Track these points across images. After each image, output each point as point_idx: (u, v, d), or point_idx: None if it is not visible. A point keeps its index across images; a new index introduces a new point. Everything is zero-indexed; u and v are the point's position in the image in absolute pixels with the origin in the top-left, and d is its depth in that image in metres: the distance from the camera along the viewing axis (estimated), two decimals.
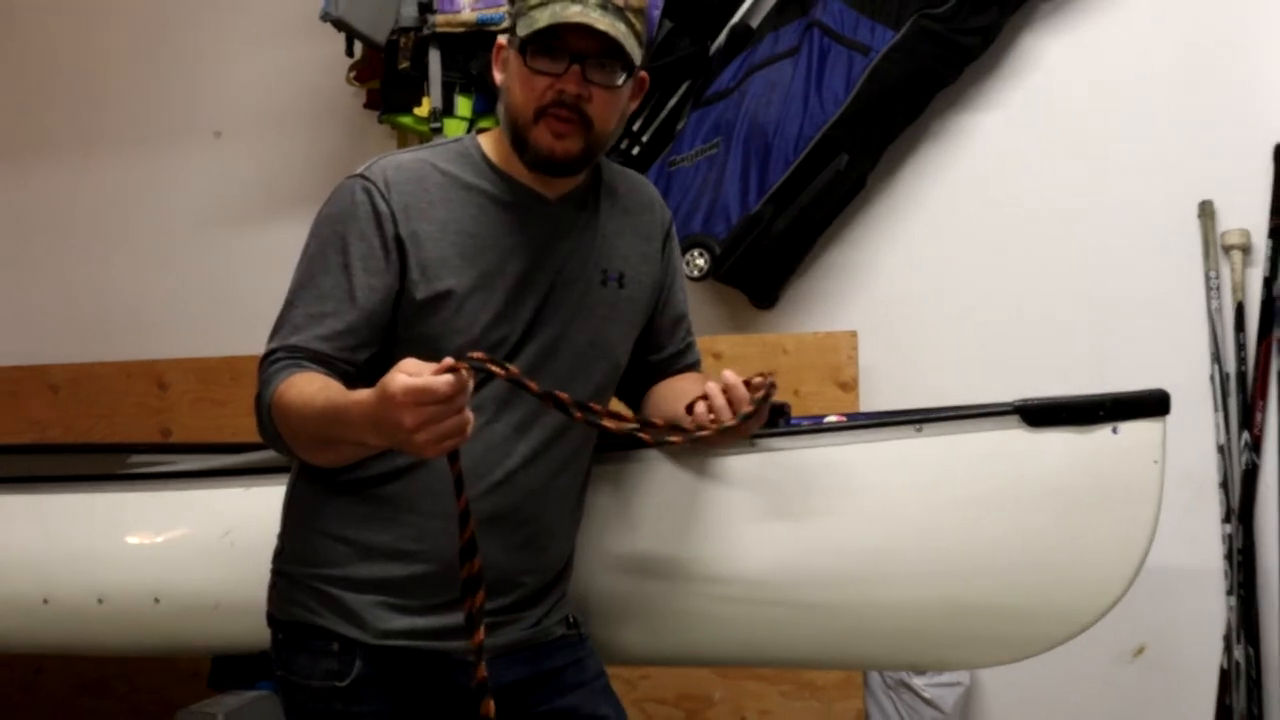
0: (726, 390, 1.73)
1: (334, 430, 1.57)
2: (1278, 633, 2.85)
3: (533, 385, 1.56)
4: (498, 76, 1.76)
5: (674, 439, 1.74)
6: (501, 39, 1.75)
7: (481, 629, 1.52)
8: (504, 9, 3.06)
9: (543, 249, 1.76)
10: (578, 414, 1.62)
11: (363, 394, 1.50)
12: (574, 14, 1.63)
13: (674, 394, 1.87)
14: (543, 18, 1.64)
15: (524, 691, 1.78)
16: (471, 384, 1.44)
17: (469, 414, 1.44)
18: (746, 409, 1.72)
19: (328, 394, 1.58)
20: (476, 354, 1.48)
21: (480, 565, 1.52)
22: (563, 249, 1.78)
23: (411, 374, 1.42)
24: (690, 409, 1.76)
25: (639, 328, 1.88)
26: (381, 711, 1.73)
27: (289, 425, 1.64)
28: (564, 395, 1.61)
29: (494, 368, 1.50)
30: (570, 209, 1.79)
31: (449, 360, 1.43)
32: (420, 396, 1.40)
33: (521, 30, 1.67)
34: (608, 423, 1.68)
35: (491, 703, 1.54)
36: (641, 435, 1.73)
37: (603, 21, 1.63)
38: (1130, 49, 3.03)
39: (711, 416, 1.73)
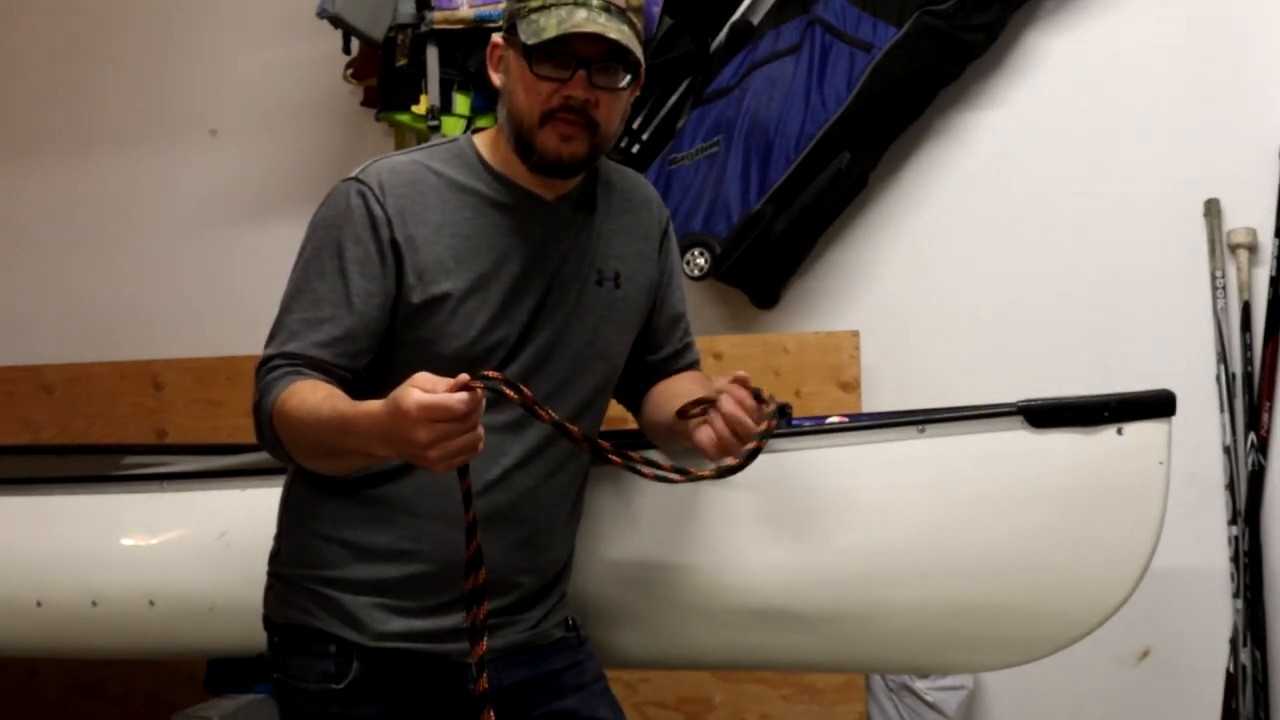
0: (728, 420, 1.66)
1: (341, 440, 1.56)
2: None
3: (544, 414, 1.54)
4: (496, 79, 1.74)
5: (676, 478, 1.68)
6: (497, 38, 1.74)
7: (484, 641, 1.53)
8: (502, 6, 3.04)
9: (539, 250, 1.75)
10: (585, 445, 1.60)
11: (373, 405, 1.50)
12: (582, 21, 1.62)
13: (672, 395, 1.85)
14: (550, 25, 1.62)
15: (523, 694, 1.77)
16: (484, 402, 1.44)
17: (481, 431, 1.45)
18: (751, 445, 1.66)
19: (333, 403, 1.58)
20: (493, 373, 1.49)
21: (485, 577, 1.53)
22: (559, 250, 1.76)
23: (426, 389, 1.42)
24: (684, 413, 1.71)
25: (636, 328, 1.87)
26: (379, 714, 1.73)
27: (291, 433, 1.63)
28: (573, 428, 1.58)
29: (508, 391, 1.50)
30: (567, 209, 1.78)
31: (464, 377, 1.43)
32: (435, 414, 1.41)
33: (526, 36, 1.65)
34: (614, 457, 1.64)
35: (492, 713, 1.54)
36: (643, 471, 1.67)
37: (610, 27, 1.62)
38: (1134, 46, 3.02)
39: (715, 439, 1.67)
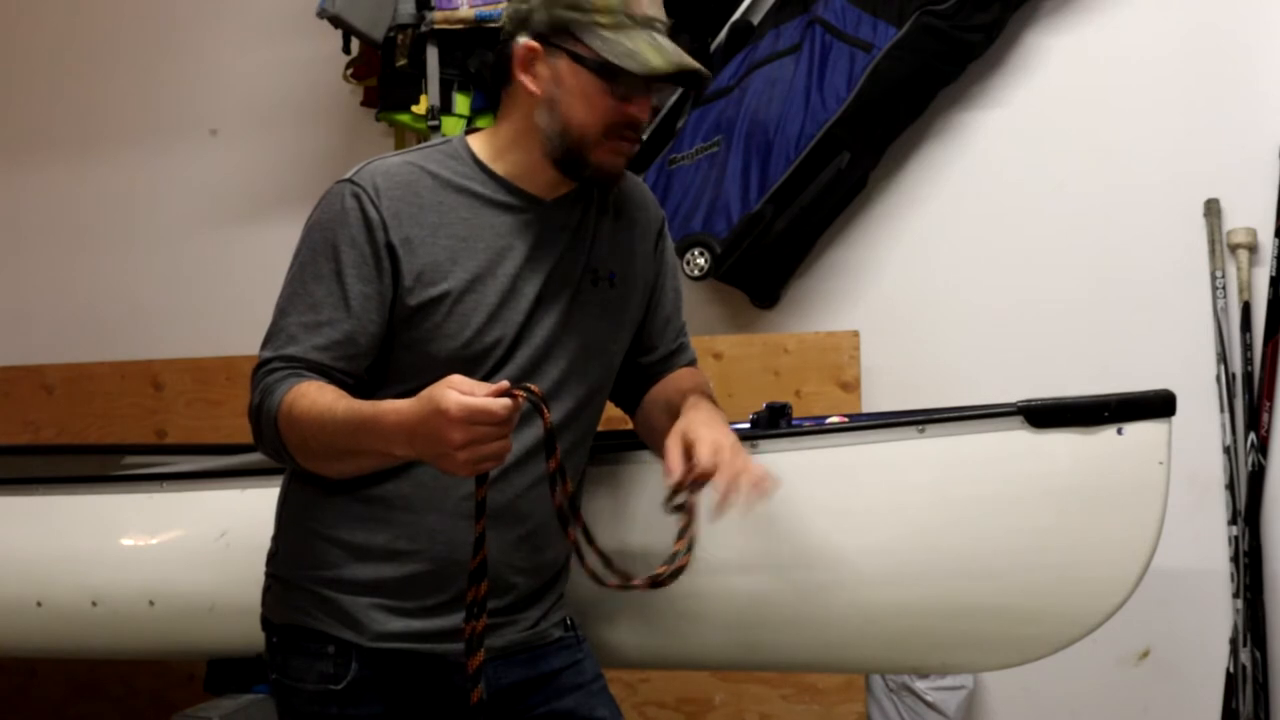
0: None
1: (357, 440, 1.57)
2: None
3: (556, 457, 1.59)
4: (531, 84, 1.70)
5: (612, 582, 1.68)
6: (535, 44, 1.70)
7: (480, 654, 1.58)
8: (503, 5, 3.04)
9: (534, 250, 1.74)
10: (571, 530, 1.65)
11: (399, 404, 1.52)
12: (675, 58, 1.66)
13: (666, 398, 1.85)
14: (646, 51, 1.64)
15: (521, 693, 1.77)
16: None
17: (510, 441, 1.48)
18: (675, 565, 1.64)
19: (349, 403, 1.59)
20: (534, 388, 1.53)
21: (487, 590, 1.57)
22: (554, 250, 1.76)
23: (465, 392, 1.45)
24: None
25: (632, 328, 1.87)
26: (377, 714, 1.72)
27: (300, 434, 1.62)
28: (569, 487, 1.64)
29: (546, 411, 1.55)
30: (563, 210, 1.78)
31: (505, 384, 1.47)
32: (476, 416, 1.44)
33: (620, 58, 1.64)
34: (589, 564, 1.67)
35: (480, 689, 1.60)
36: (585, 563, 1.68)
37: (690, 60, 1.67)
38: (1134, 46, 3.02)
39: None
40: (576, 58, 1.67)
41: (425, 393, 1.48)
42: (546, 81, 1.70)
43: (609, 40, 1.65)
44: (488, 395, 1.45)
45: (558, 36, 1.68)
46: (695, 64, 1.68)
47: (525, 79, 1.71)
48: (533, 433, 1.72)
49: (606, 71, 1.66)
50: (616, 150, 1.71)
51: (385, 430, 1.53)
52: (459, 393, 1.45)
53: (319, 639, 1.72)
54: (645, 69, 1.64)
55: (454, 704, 1.71)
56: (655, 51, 1.65)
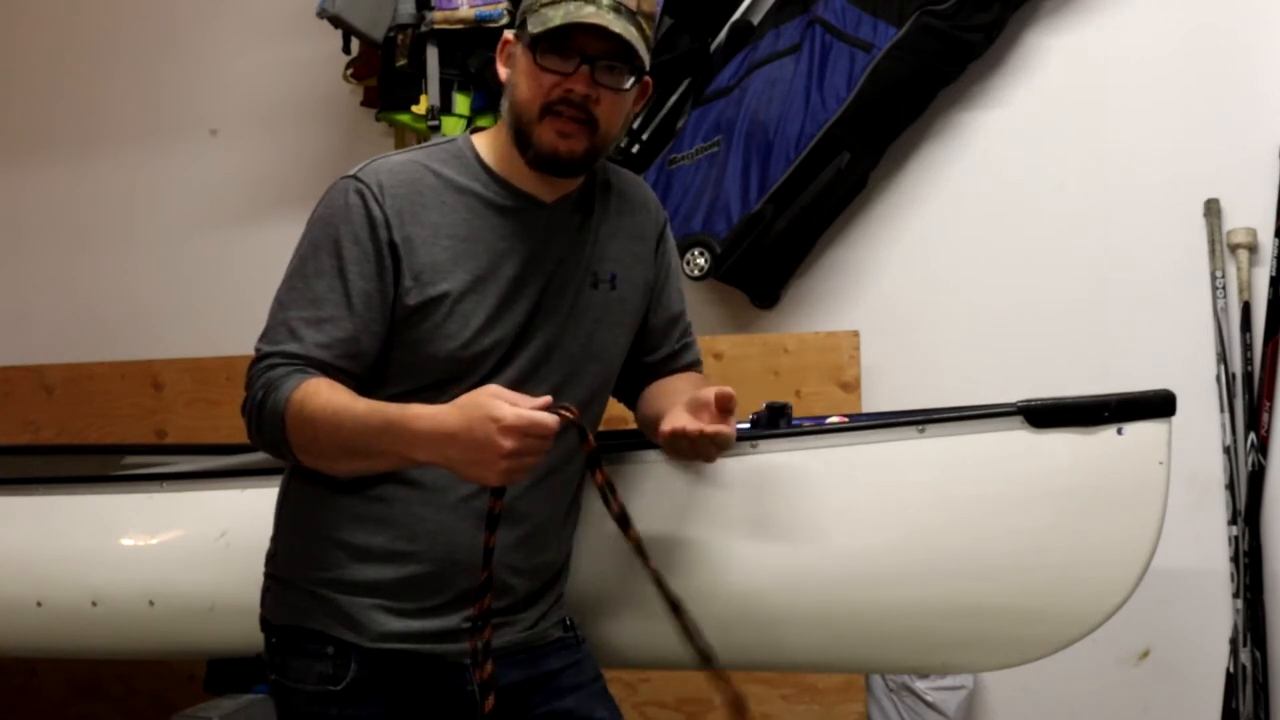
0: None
1: (379, 441, 1.57)
2: None
3: (602, 470, 1.62)
4: (503, 72, 1.75)
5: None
6: (509, 34, 1.74)
7: (489, 665, 1.62)
8: (503, 5, 3.05)
9: (535, 252, 1.74)
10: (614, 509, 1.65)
11: (433, 409, 1.53)
12: (588, 14, 1.62)
13: (665, 393, 1.86)
14: (556, 16, 1.63)
15: (521, 693, 1.77)
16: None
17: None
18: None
19: (369, 404, 1.59)
20: (574, 410, 1.55)
21: (490, 604, 1.62)
22: (555, 252, 1.76)
23: (513, 403, 1.48)
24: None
25: (633, 329, 1.87)
26: (377, 715, 1.72)
27: (311, 431, 1.61)
28: (616, 495, 1.65)
29: (591, 437, 1.60)
30: (564, 211, 1.78)
31: (548, 399, 1.51)
32: (532, 428, 1.47)
33: (534, 26, 1.66)
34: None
35: (492, 698, 1.62)
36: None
37: (617, 24, 1.63)
38: (1134, 46, 3.02)
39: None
40: (522, 39, 1.69)
41: (467, 400, 1.50)
42: (509, 69, 1.73)
43: (540, 15, 1.65)
44: (535, 409, 1.48)
45: (520, 25, 1.70)
46: (600, 21, 1.62)
47: (500, 69, 1.74)
48: None
49: (532, 44, 1.66)
50: (557, 130, 1.66)
51: (415, 434, 1.53)
52: (509, 404, 1.47)
53: (318, 639, 1.71)
54: (542, 28, 1.64)
55: (454, 704, 1.71)
56: (562, 15, 1.63)
